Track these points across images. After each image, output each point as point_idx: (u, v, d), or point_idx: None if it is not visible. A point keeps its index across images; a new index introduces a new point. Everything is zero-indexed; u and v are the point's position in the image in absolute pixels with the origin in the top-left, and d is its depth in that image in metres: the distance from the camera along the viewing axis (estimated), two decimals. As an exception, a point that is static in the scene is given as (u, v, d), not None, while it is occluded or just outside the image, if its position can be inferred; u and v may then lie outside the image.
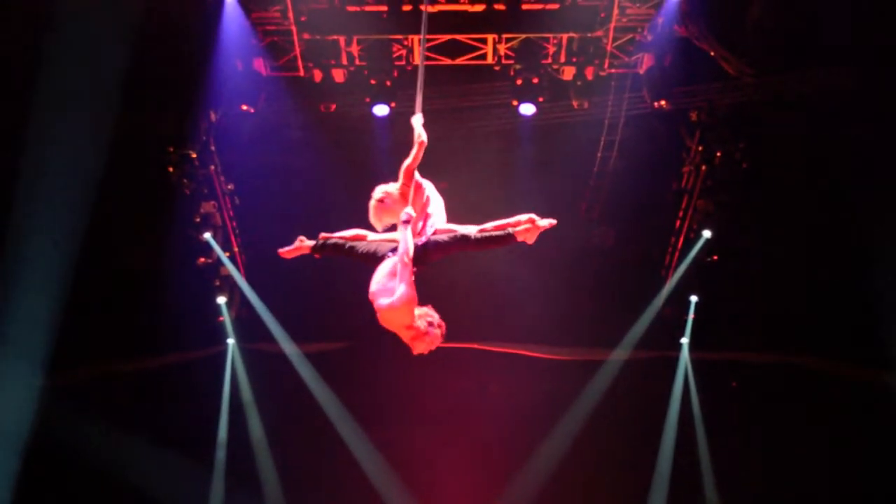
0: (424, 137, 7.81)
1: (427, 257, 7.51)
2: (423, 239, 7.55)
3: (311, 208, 15.62)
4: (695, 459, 16.09)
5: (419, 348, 7.45)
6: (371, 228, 7.82)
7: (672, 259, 16.11)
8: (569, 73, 14.05)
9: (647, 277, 16.34)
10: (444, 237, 7.57)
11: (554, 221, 7.18)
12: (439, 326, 7.43)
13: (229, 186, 15.31)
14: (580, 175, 15.50)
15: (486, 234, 7.39)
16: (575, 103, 14.34)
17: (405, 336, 7.45)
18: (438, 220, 7.70)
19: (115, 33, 12.68)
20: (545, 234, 15.61)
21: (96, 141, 13.27)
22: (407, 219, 7.43)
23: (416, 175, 7.78)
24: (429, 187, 7.83)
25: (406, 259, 7.31)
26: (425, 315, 7.40)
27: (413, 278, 7.36)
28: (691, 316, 16.31)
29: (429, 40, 13.71)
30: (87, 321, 14.81)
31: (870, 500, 15.03)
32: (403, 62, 13.96)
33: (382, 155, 14.86)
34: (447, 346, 16.02)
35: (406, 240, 7.35)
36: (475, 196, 12.49)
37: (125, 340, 15.44)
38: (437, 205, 7.78)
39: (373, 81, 14.06)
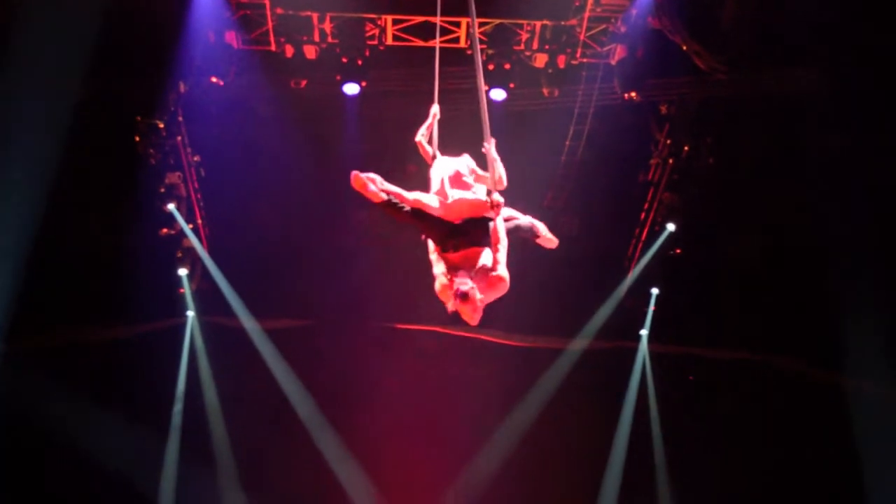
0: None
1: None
2: None
3: (277, 183, 15.57)
4: (649, 449, 16.21)
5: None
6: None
7: (635, 251, 16.18)
8: (541, 60, 14.05)
9: (610, 268, 16.41)
10: None
11: None
12: (454, 294, 7.55)
13: (195, 158, 15.21)
14: (547, 163, 15.51)
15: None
16: (546, 91, 14.35)
17: None
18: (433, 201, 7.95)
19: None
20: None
21: (63, 107, 13.14)
22: None
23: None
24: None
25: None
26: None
27: (440, 265, 7.87)
28: (652, 308, 16.41)
29: (401, 21, 13.70)
30: (48, 288, 14.71)
31: (816, 498, 15.18)
32: (376, 41, 13.90)
33: (351, 134, 14.82)
34: (408, 328, 16.12)
35: None
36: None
37: (84, 309, 15.34)
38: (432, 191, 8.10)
39: (344, 60, 14.00)
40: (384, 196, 7.76)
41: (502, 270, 7.70)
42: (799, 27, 13.14)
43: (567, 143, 15.34)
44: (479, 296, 7.52)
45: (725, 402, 15.96)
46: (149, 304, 15.62)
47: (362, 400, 16.00)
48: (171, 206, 15.10)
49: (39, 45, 12.70)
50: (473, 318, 7.58)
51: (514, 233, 8.20)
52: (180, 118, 14.61)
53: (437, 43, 8.50)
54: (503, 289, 7.72)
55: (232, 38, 13.96)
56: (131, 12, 13.14)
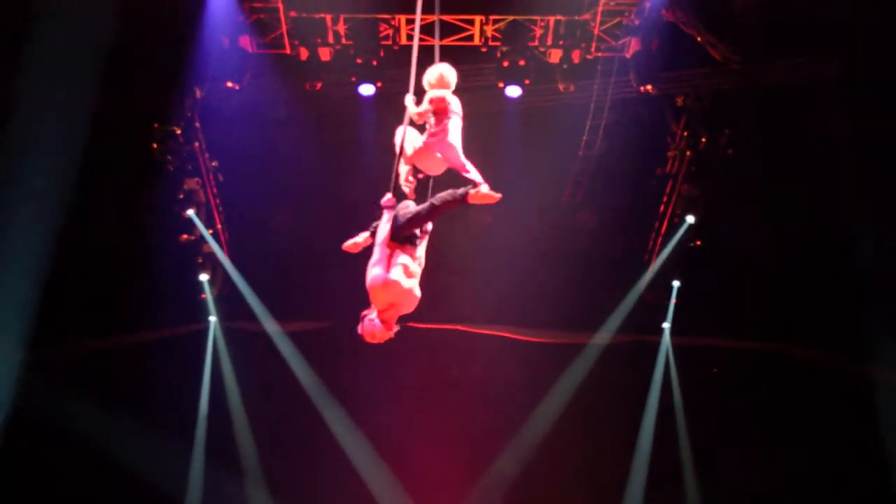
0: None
1: None
2: None
3: (294, 186, 15.60)
4: (674, 442, 16.17)
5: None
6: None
7: (655, 244, 16.14)
8: (555, 55, 14.00)
9: (630, 262, 16.37)
10: None
11: None
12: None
13: (213, 163, 15.26)
14: (565, 158, 15.50)
15: None
16: (561, 86, 14.31)
17: None
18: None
19: (101, 7, 12.60)
20: (530, 215, 15.53)
21: (80, 116, 13.19)
22: None
23: None
24: None
25: None
26: None
27: None
28: (673, 301, 16.37)
29: (415, 20, 13.67)
30: (70, 296, 14.77)
31: (845, 489, 15.11)
32: (390, 42, 13.90)
33: (367, 135, 14.82)
34: (429, 327, 16.11)
35: None
36: (459, 178, 12.48)
37: (107, 316, 15.41)
38: None
39: (359, 60, 13.99)
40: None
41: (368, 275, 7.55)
42: (812, 15, 13.09)
43: (584, 137, 15.31)
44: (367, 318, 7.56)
45: (750, 394, 15.89)
46: (171, 309, 15.72)
47: (386, 399, 16.03)
48: (190, 212, 15.17)
49: (55, 54, 12.74)
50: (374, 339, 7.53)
51: (444, 207, 7.82)
52: (197, 124, 14.66)
53: (436, 41, 8.42)
54: (388, 296, 7.55)
55: (246, 42, 13.96)
56: (145, 19, 13.18)
